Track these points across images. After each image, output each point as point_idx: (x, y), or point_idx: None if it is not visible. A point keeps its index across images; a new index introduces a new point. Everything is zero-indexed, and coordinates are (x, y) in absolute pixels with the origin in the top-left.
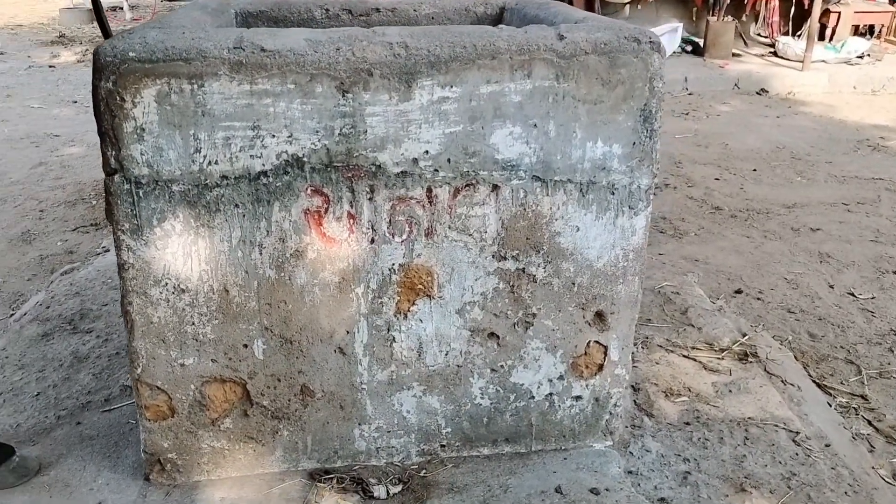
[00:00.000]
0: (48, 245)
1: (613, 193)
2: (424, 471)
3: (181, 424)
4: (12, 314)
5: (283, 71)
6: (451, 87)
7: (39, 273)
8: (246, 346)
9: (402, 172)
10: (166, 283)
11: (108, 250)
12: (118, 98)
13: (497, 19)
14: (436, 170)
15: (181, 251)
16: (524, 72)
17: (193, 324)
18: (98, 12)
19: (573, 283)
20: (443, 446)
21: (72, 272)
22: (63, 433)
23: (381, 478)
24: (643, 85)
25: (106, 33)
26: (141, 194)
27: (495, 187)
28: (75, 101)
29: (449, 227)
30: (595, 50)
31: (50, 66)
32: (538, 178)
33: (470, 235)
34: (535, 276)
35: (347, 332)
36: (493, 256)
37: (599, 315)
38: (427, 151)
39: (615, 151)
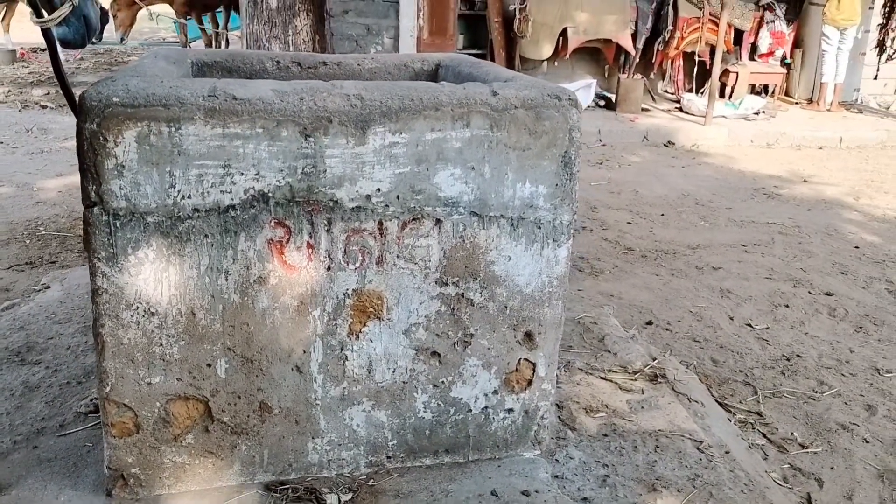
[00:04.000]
0: None
1: (540, 228)
2: (372, 480)
3: (145, 440)
4: None
5: (253, 117)
6: (401, 133)
7: None
8: (209, 365)
9: (356, 207)
10: (137, 307)
11: (48, 287)
12: (101, 138)
13: (433, 75)
14: (386, 205)
15: (153, 277)
16: (463, 122)
17: (161, 344)
18: (57, 68)
19: (506, 307)
20: (389, 457)
21: (13, 308)
22: (20, 456)
23: (333, 487)
24: (564, 135)
25: (66, 88)
26: (118, 225)
27: (438, 221)
28: (1, 142)
29: (397, 256)
30: (523, 105)
31: None
32: (475, 213)
33: (416, 264)
34: (472, 300)
35: (304, 352)
36: (435, 282)
37: (528, 335)
38: (379, 189)
39: (541, 191)
